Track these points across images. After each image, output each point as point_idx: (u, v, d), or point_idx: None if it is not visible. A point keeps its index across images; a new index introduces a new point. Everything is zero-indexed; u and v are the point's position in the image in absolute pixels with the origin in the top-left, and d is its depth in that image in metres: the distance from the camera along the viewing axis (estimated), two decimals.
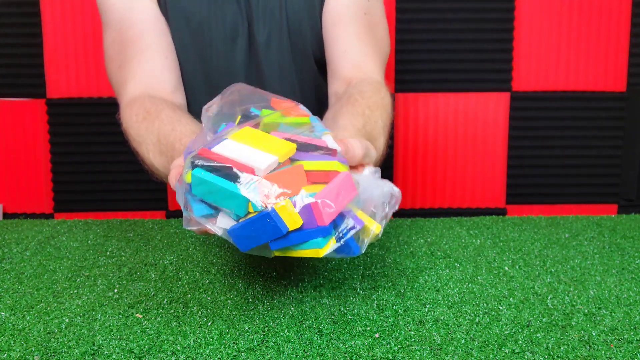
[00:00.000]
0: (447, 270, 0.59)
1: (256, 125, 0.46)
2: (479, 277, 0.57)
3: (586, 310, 0.49)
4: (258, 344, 0.43)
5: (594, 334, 0.45)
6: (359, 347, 0.43)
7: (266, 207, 0.39)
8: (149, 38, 0.73)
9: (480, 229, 0.75)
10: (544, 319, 0.47)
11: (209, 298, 0.52)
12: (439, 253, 0.65)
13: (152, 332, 0.45)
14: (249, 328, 0.46)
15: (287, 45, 0.79)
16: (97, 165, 1.25)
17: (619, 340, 0.44)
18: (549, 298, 0.52)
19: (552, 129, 1.28)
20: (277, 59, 0.79)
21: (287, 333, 0.45)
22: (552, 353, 0.42)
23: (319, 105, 0.84)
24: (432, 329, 0.45)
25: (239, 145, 0.43)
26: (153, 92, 0.71)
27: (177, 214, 1.27)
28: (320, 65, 0.82)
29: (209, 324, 0.47)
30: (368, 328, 0.46)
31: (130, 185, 1.26)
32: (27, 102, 1.23)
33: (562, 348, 0.42)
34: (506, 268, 0.60)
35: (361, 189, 0.44)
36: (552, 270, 0.60)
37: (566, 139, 1.28)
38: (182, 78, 0.77)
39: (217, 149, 0.42)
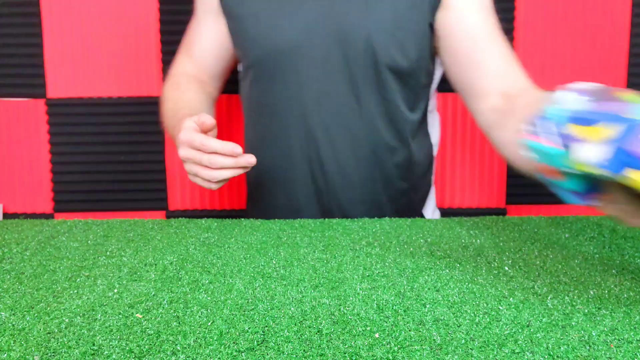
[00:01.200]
0: (447, 270, 0.59)
1: None
2: (479, 277, 0.57)
3: (586, 310, 0.49)
4: (258, 344, 0.43)
5: (594, 334, 0.45)
6: (359, 347, 0.43)
7: None
8: (209, 47, 0.98)
9: (480, 229, 0.75)
10: (544, 319, 0.47)
11: (209, 298, 0.52)
12: (439, 253, 0.65)
13: (152, 332, 0.45)
14: (249, 328, 0.46)
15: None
16: (97, 165, 1.25)
17: (619, 340, 0.44)
18: (549, 298, 0.52)
19: None
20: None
21: (287, 333, 0.45)
22: (552, 353, 0.42)
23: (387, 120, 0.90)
24: (432, 329, 0.46)
25: None
26: (196, 73, 0.97)
27: (177, 214, 1.27)
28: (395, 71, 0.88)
29: (209, 324, 0.47)
30: (368, 328, 0.46)
31: (130, 185, 1.26)
32: (27, 102, 1.23)
33: (562, 348, 0.42)
34: (506, 268, 0.60)
35: None
36: (552, 270, 0.60)
37: None
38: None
39: None
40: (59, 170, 1.25)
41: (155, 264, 0.62)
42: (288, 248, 0.67)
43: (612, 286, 0.55)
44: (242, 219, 0.82)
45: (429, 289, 0.54)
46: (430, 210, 1.03)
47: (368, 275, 0.58)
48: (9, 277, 0.59)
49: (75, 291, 0.54)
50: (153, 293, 0.54)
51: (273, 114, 0.91)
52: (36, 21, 1.20)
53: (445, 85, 1.33)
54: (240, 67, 0.99)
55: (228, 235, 0.73)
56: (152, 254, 0.66)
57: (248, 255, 0.65)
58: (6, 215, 1.26)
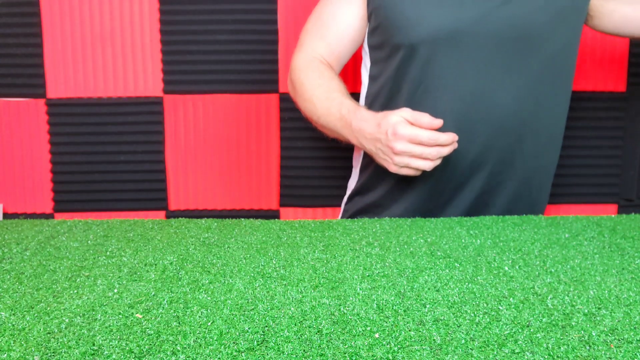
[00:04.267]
0: (447, 270, 0.59)
1: None
2: (479, 277, 0.57)
3: (586, 310, 0.49)
4: (258, 344, 0.43)
5: (594, 334, 0.45)
6: (359, 347, 0.43)
7: None
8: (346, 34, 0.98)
9: (480, 229, 0.75)
10: (544, 319, 0.47)
11: (209, 298, 0.52)
12: (439, 253, 0.65)
13: (152, 332, 0.45)
14: (249, 328, 0.46)
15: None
16: (97, 165, 1.25)
17: (619, 340, 0.44)
18: (549, 298, 0.52)
19: None
20: None
21: (287, 333, 0.45)
22: (552, 353, 0.42)
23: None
24: (432, 329, 0.45)
25: None
26: (327, 57, 0.98)
27: (177, 214, 1.27)
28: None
29: (209, 324, 0.47)
30: (368, 328, 0.46)
31: (130, 185, 1.26)
32: (27, 102, 1.23)
33: (562, 348, 0.42)
34: (506, 268, 0.60)
35: None
36: (552, 270, 0.60)
37: (566, 139, 1.28)
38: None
39: None
40: (59, 170, 1.25)
41: (155, 264, 0.62)
42: (288, 248, 0.67)
43: (612, 286, 0.55)
44: (242, 219, 0.82)
45: (429, 289, 0.54)
46: None
47: (368, 275, 0.58)
48: (9, 277, 0.59)
49: (75, 291, 0.54)
50: (153, 293, 0.54)
51: (430, 91, 0.92)
52: (36, 21, 1.20)
53: None
54: (366, 46, 1.00)
55: (228, 235, 0.73)
56: (152, 254, 0.66)
57: (248, 255, 0.64)
58: (6, 215, 1.26)
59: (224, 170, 1.26)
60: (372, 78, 1.00)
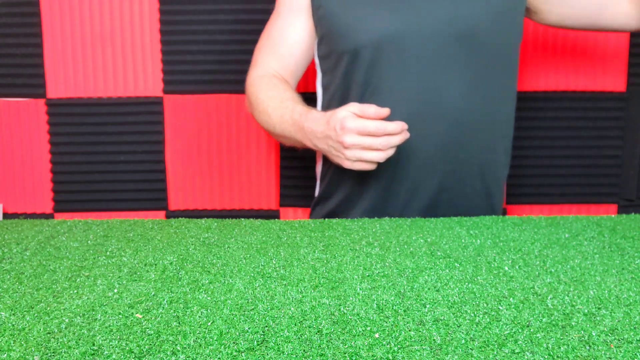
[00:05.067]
0: (447, 270, 0.59)
1: None
2: (479, 277, 0.57)
3: (586, 310, 0.49)
4: (258, 344, 0.43)
5: (594, 334, 0.45)
6: (359, 347, 0.43)
7: None
8: (294, 50, 1.00)
9: (480, 229, 0.75)
10: (544, 319, 0.47)
11: (209, 298, 0.52)
12: (439, 253, 0.65)
13: (152, 332, 0.45)
14: (249, 328, 0.46)
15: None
16: (97, 165, 1.25)
17: (619, 340, 0.44)
18: (549, 298, 0.52)
19: (552, 129, 1.28)
20: None
21: (287, 333, 0.45)
22: (552, 353, 0.42)
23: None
24: (432, 329, 0.46)
25: None
26: (281, 72, 1.00)
27: (177, 214, 1.27)
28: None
29: (209, 324, 0.47)
30: (368, 328, 0.46)
31: (130, 185, 1.26)
32: (27, 102, 1.23)
33: (562, 348, 0.42)
34: (506, 268, 0.60)
35: None
36: (552, 270, 0.60)
37: (566, 139, 1.28)
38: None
39: None
40: (59, 170, 1.25)
41: (155, 264, 0.62)
42: (288, 248, 0.67)
43: (612, 286, 0.55)
44: (242, 219, 0.82)
45: (429, 289, 0.54)
46: None
47: (368, 275, 0.58)
48: (9, 277, 0.59)
49: (75, 291, 0.54)
50: (153, 293, 0.54)
51: (377, 94, 0.93)
52: (36, 21, 1.20)
53: None
54: (316, 58, 1.02)
55: (228, 235, 0.73)
56: (152, 254, 0.66)
57: (248, 255, 0.64)
58: (6, 215, 1.26)
59: (224, 170, 1.26)
60: (324, 88, 1.02)
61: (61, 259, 0.64)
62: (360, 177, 0.96)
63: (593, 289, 0.54)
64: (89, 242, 0.71)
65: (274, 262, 0.62)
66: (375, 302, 0.51)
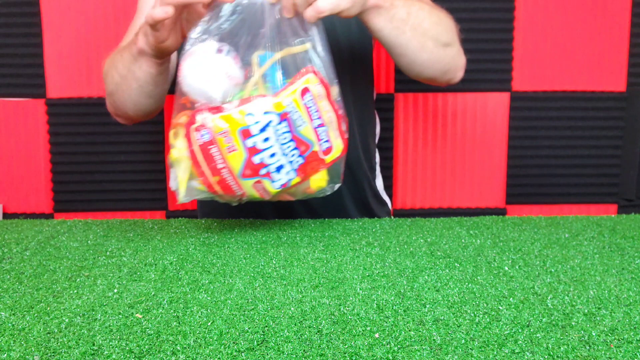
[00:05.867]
0: (447, 270, 0.59)
1: None
2: (479, 277, 0.57)
3: (586, 310, 0.49)
4: (258, 344, 0.43)
5: (594, 334, 0.45)
6: (359, 347, 0.43)
7: None
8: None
9: (480, 229, 0.75)
10: (544, 319, 0.47)
11: (209, 298, 0.52)
12: (439, 253, 0.65)
13: (152, 332, 0.45)
14: (249, 328, 0.46)
15: None
16: (97, 165, 1.25)
17: (619, 340, 0.44)
18: (549, 298, 0.52)
19: (552, 129, 1.28)
20: None
21: (287, 333, 0.45)
22: (552, 353, 0.42)
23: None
24: (432, 329, 0.46)
25: None
26: None
27: (177, 214, 1.27)
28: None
29: (209, 324, 0.47)
30: (368, 328, 0.46)
31: (130, 185, 1.26)
32: (27, 102, 1.23)
33: (562, 348, 0.42)
34: (506, 268, 0.60)
35: None
36: (552, 270, 0.60)
37: (566, 139, 1.28)
38: None
39: None
40: (59, 170, 1.25)
41: (155, 264, 0.62)
42: (288, 248, 0.67)
43: (612, 286, 0.55)
44: (242, 219, 0.82)
45: (429, 289, 0.54)
46: None
47: (368, 275, 0.58)
48: (9, 277, 0.59)
49: (75, 291, 0.54)
50: (153, 293, 0.54)
51: None
52: (36, 21, 1.20)
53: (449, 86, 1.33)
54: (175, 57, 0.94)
55: (228, 235, 0.73)
56: (152, 254, 0.66)
57: (248, 255, 0.64)
58: (6, 215, 1.26)
59: None
60: None
61: (61, 259, 0.64)
62: None
63: (593, 289, 0.54)
64: (89, 242, 0.71)
65: (274, 262, 0.62)
66: (375, 302, 0.51)
